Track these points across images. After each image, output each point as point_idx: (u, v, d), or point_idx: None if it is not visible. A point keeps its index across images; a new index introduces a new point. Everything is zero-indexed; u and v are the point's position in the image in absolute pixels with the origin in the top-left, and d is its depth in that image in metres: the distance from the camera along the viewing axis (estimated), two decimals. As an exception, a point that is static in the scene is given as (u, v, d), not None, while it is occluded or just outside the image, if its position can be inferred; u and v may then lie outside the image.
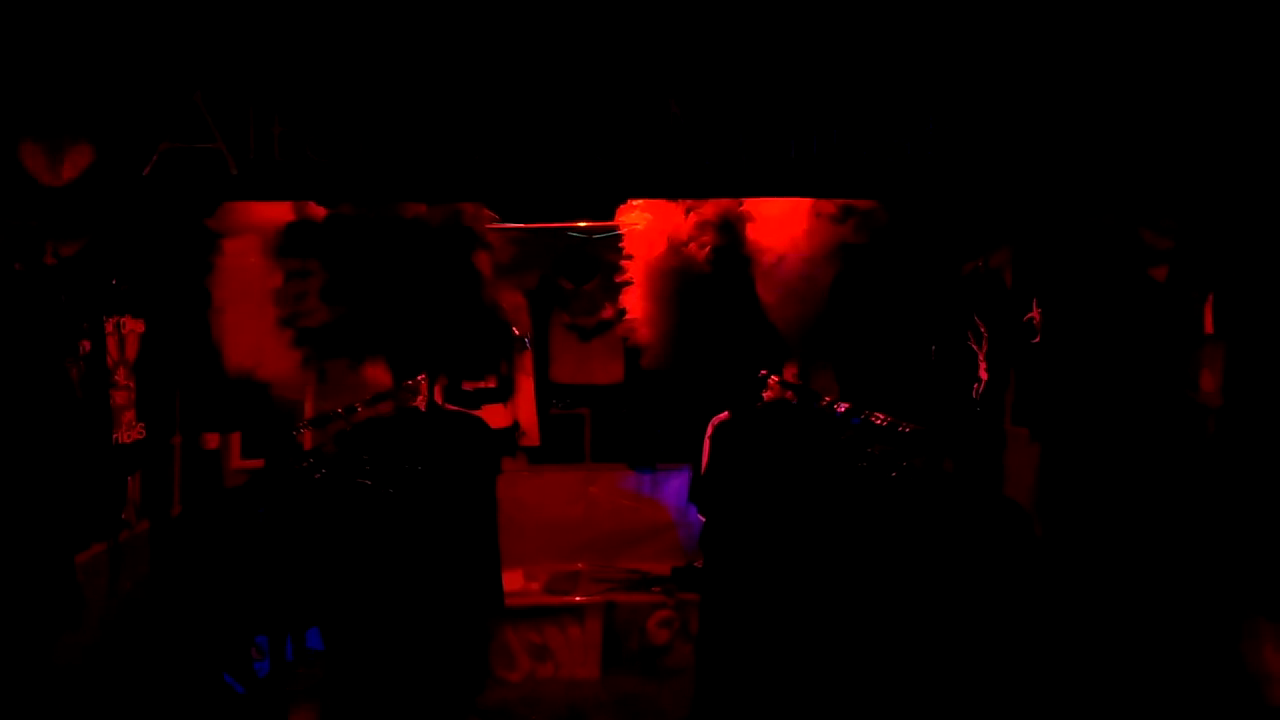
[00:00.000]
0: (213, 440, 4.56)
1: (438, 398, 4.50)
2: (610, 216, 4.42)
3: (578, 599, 5.22)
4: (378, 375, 4.46)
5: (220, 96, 3.29)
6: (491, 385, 5.24)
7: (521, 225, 4.65)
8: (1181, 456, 3.51)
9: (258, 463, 4.19)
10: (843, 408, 3.61)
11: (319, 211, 4.27)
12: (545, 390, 5.48)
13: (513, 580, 5.09)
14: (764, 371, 4.28)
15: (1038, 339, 3.81)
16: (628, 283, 4.50)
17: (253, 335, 4.19)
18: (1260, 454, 3.31)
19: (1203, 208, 3.44)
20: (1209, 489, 3.42)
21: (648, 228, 4.40)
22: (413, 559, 3.33)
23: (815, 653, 3.42)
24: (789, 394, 4.17)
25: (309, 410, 4.75)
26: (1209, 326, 3.37)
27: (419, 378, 4.18)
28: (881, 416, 3.32)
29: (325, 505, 3.06)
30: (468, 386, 5.15)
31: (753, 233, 4.29)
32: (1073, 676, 3.30)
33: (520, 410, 5.37)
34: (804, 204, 4.18)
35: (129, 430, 3.70)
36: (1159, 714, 3.38)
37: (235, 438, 4.90)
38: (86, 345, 3.53)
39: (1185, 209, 3.48)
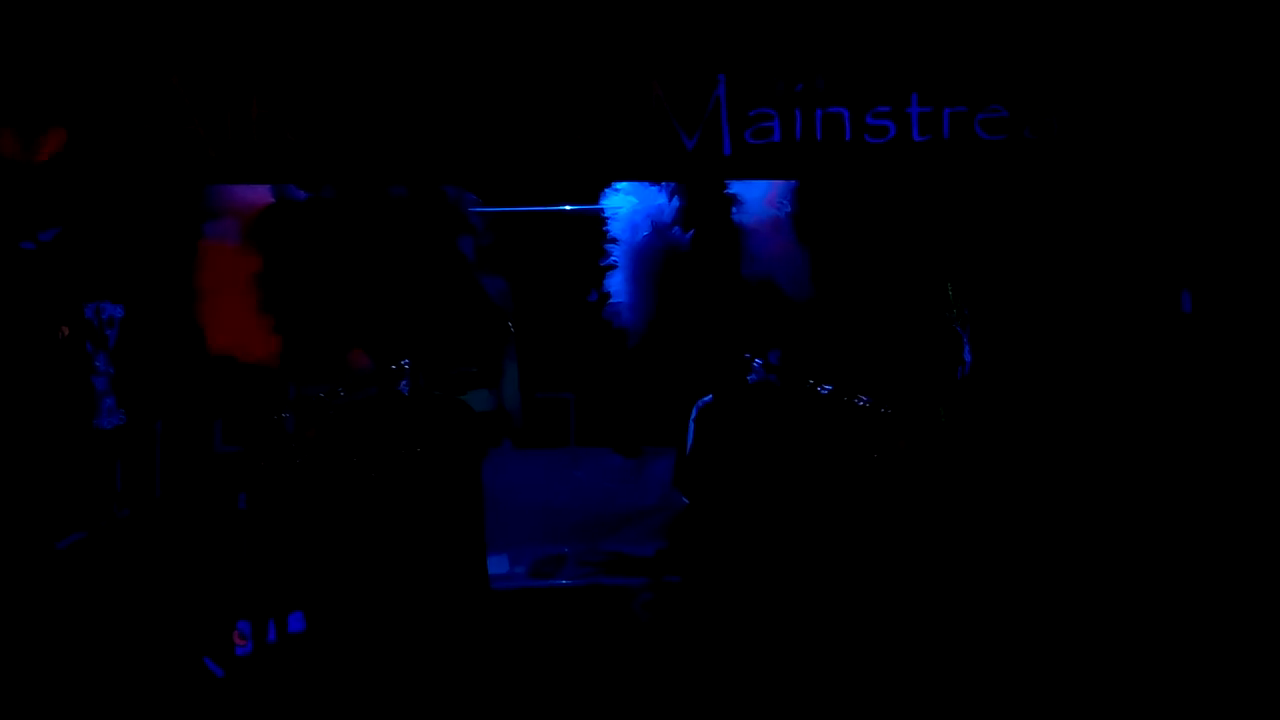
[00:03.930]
0: (196, 426, 4.52)
1: (422, 382, 4.47)
2: (594, 200, 4.40)
3: (562, 582, 5.22)
4: (361, 360, 4.43)
5: (198, 80, 3.25)
6: (476, 370, 5.21)
7: (505, 209, 4.62)
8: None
9: (240, 448, 4.17)
10: (826, 390, 3.61)
11: (300, 195, 4.23)
12: (530, 374, 5.46)
13: (498, 564, 5.08)
14: (748, 354, 4.28)
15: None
16: (612, 266, 4.49)
17: (234, 320, 4.15)
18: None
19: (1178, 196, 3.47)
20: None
21: (632, 211, 4.39)
22: (396, 543, 3.32)
23: (798, 633, 3.45)
24: (773, 376, 4.18)
25: (292, 395, 4.71)
26: (1180, 307, 3.40)
27: (403, 362, 4.16)
28: (864, 398, 3.33)
29: (307, 490, 3.05)
30: (452, 371, 5.12)
31: (736, 216, 4.29)
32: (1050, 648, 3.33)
33: (505, 394, 5.35)
34: (788, 186, 4.18)
35: (110, 416, 3.66)
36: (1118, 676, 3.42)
37: (218, 423, 4.86)
38: (65, 331, 3.49)
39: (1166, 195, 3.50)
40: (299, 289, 4.23)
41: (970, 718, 3.10)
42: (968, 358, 3.94)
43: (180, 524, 3.17)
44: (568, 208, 4.96)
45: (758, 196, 4.21)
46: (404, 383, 4.13)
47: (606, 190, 4.36)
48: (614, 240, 4.46)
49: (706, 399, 4.30)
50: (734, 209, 4.29)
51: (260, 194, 4.21)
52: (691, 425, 4.39)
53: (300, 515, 3.01)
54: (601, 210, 4.53)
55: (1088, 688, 3.26)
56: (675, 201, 4.35)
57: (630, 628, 5.21)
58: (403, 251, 4.28)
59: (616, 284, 4.46)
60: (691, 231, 4.34)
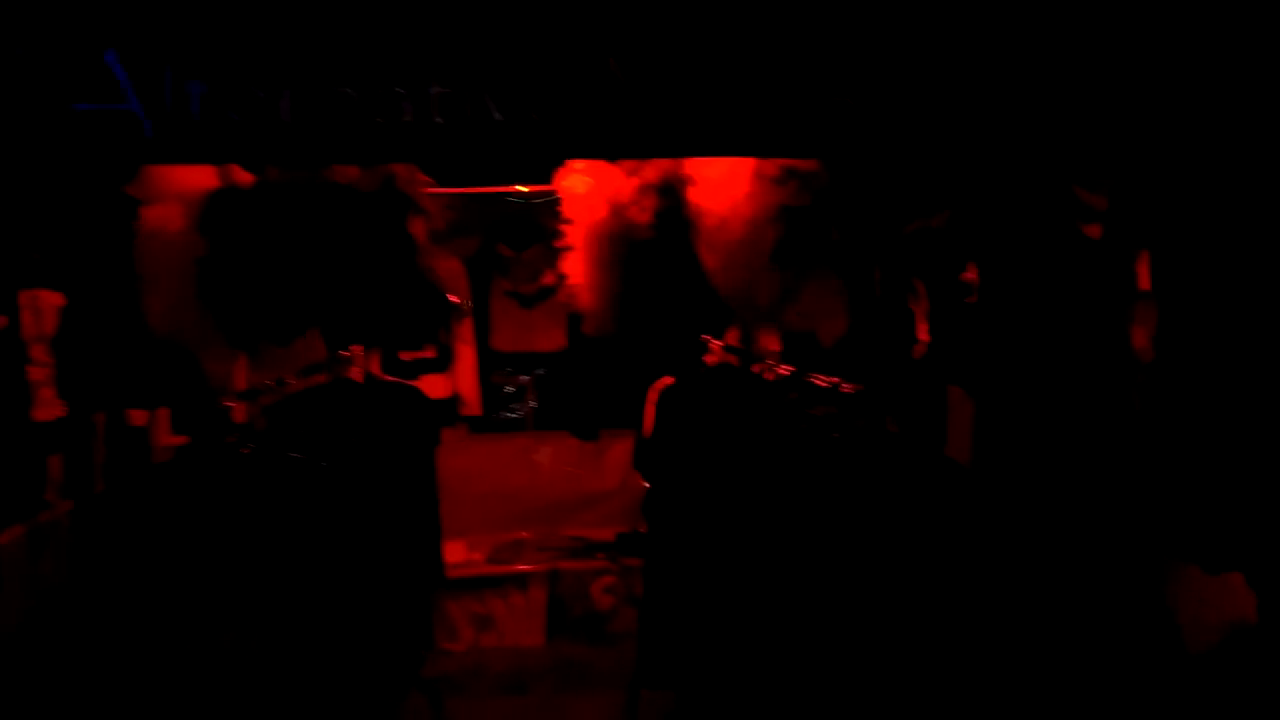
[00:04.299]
0: (139, 417, 4.39)
1: (374, 368, 4.39)
2: (549, 180, 4.32)
3: (521, 567, 5.18)
4: (312, 346, 4.33)
5: (135, 54, 3.10)
6: (430, 355, 5.13)
7: (457, 190, 4.53)
8: (1112, 411, 3.57)
9: (186, 439, 4.06)
10: (785, 370, 3.60)
11: (245, 177, 4.10)
12: (486, 359, 5.39)
13: (455, 551, 5.04)
14: (707, 336, 4.25)
15: (973, 298, 3.83)
16: (568, 248, 4.42)
17: (179, 307, 4.03)
18: (1188, 408, 3.38)
19: (1136, 166, 3.47)
20: (1139, 442, 3.49)
21: (588, 191, 4.31)
22: (349, 533, 3.25)
23: (758, 616, 3.44)
24: (732, 358, 4.16)
25: (239, 383, 4.60)
26: (1143, 283, 3.42)
27: (354, 348, 4.07)
28: (824, 378, 3.32)
29: (255, 481, 2.96)
30: (406, 356, 5.04)
31: (694, 196, 4.22)
32: (1007, 627, 3.36)
33: (460, 379, 5.28)
34: (746, 166, 4.13)
35: (48, 407, 3.54)
36: (1088, 662, 3.47)
37: (162, 413, 4.73)
38: (4, 321, 3.36)
39: (1120, 167, 3.51)
40: (245, 274, 4.11)
41: (940, 700, 3.11)
42: (921, 336, 3.95)
43: (122, 517, 3.06)
44: (522, 188, 4.90)
45: (716, 176, 4.16)
46: (356, 369, 4.05)
47: (562, 170, 4.29)
48: (570, 222, 4.38)
49: (666, 381, 4.28)
50: (692, 188, 4.24)
51: (205, 176, 4.08)
52: (650, 408, 4.36)
53: (247, 506, 2.92)
54: (556, 191, 4.46)
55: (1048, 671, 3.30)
56: (633, 181, 4.28)
57: (592, 611, 5.21)
58: (353, 234, 4.17)
59: (573, 266, 4.39)
60: (649, 212, 4.27)
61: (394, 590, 3.85)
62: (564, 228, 4.41)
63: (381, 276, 4.26)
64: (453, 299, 4.88)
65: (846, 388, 3.20)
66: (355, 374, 4.03)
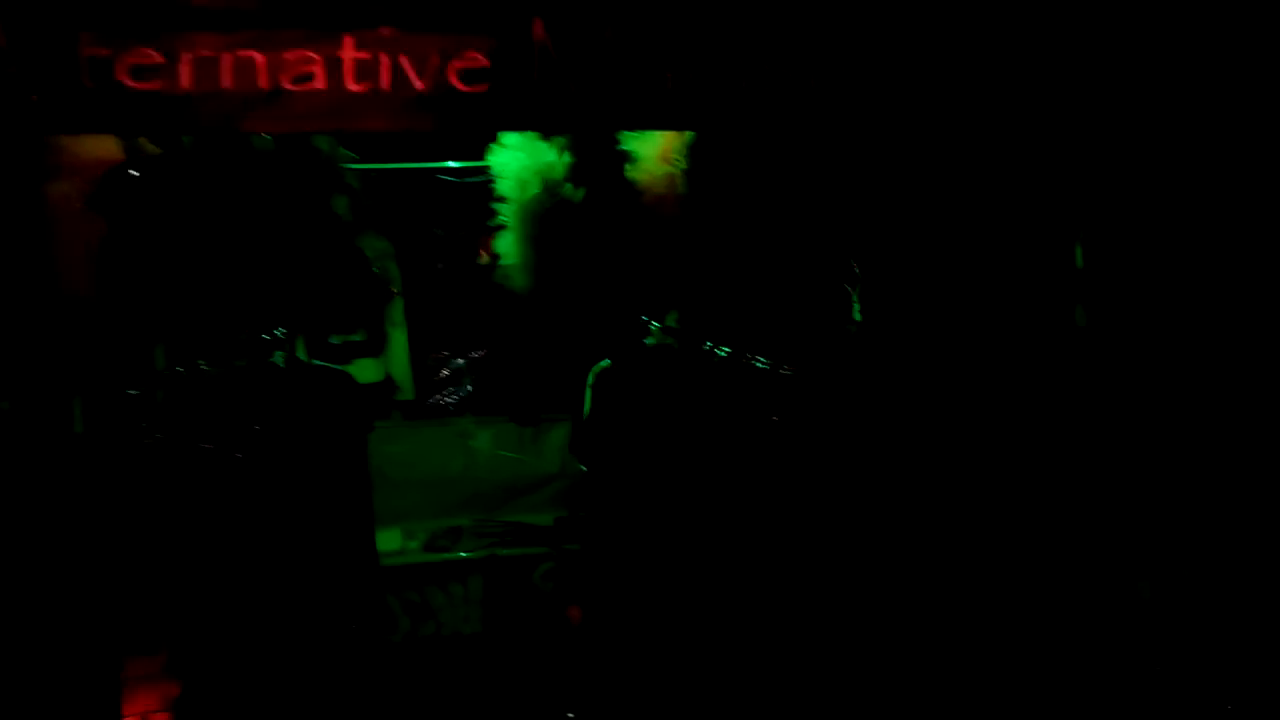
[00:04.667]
0: (47, 405, 4.15)
1: (301, 353, 4.20)
2: (480, 156, 4.14)
3: (459, 555, 5.06)
4: (231, 329, 4.12)
5: (15, 13, 2.85)
6: (361, 338, 4.95)
7: (383, 165, 4.32)
8: (1051, 386, 3.56)
9: (94, 429, 3.83)
10: (724, 352, 3.52)
11: (153, 150, 3.87)
12: (420, 342, 5.22)
13: (390, 540, 4.90)
14: (645, 317, 4.15)
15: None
16: (502, 226, 4.24)
17: (83, 289, 3.80)
18: (1126, 384, 3.38)
19: (1069, 143, 3.45)
20: (1079, 418, 3.49)
21: (521, 168, 4.13)
22: (267, 525, 3.10)
23: (698, 598, 3.39)
24: (671, 339, 4.06)
25: (151, 367, 4.37)
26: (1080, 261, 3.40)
27: (277, 331, 3.88)
28: (763, 360, 3.25)
29: (162, 472, 2.80)
30: (336, 340, 4.85)
31: (631, 173, 4.09)
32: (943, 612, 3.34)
33: (393, 364, 5.11)
34: (682, 142, 4.00)
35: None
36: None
37: (70, 401, 4.49)
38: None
39: (1053, 145, 3.47)
40: (153, 255, 3.88)
41: (869, 680, 3.09)
42: (858, 317, 3.88)
43: (29, 512, 2.87)
44: (452, 164, 4.68)
45: (652, 152, 4.03)
46: (280, 354, 3.87)
47: (492, 145, 4.12)
48: (503, 199, 4.20)
49: (603, 363, 4.18)
50: (627, 165, 4.10)
51: (108, 148, 3.83)
52: (588, 391, 4.26)
53: (152, 498, 2.75)
54: (488, 168, 4.27)
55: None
56: (566, 158, 4.12)
57: (531, 598, 5.11)
58: (271, 211, 3.96)
59: (507, 245, 4.22)
60: (584, 190, 4.12)
61: (324, 582, 3.71)
62: (497, 206, 4.23)
63: (304, 256, 4.06)
64: (382, 280, 4.68)
65: (785, 370, 3.12)
66: (279, 359, 3.87)
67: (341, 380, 3.95)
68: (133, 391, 3.13)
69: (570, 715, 4.18)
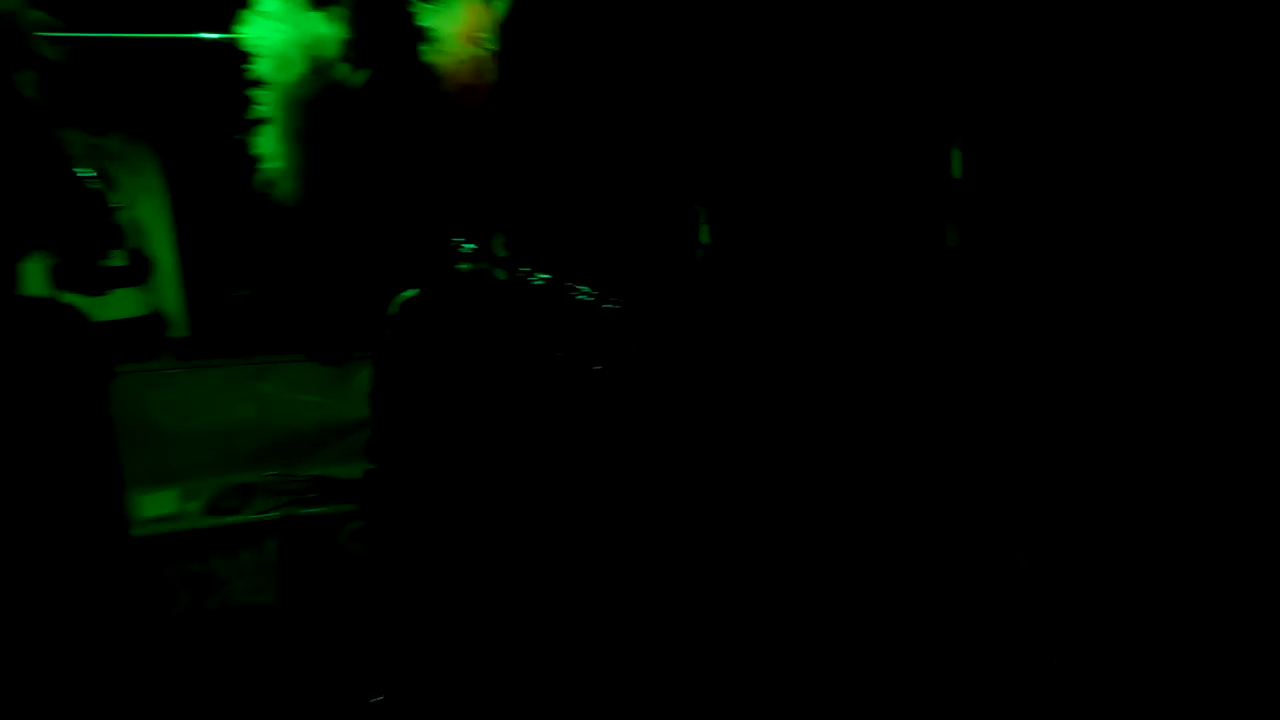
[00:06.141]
0: None
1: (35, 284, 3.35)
2: (227, 27, 3.24)
3: (248, 517, 4.41)
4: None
5: None
6: (121, 263, 4.12)
7: (98, 35, 3.37)
8: (922, 307, 3.22)
9: None
10: (543, 280, 2.97)
11: None
12: (195, 268, 4.43)
13: (164, 502, 4.23)
14: (459, 238, 3.51)
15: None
16: (262, 118, 3.37)
17: None
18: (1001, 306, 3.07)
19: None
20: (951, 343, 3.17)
21: (282, 41, 3.26)
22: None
23: (513, 557, 2.96)
24: (487, 264, 3.48)
25: None
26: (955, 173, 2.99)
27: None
28: (587, 290, 2.72)
29: None
30: (83, 266, 3.99)
31: (428, 55, 3.30)
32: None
33: (161, 294, 4.31)
34: (493, 16, 3.25)
35: None
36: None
37: None
38: None
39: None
40: None
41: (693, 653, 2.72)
42: (706, 239, 3.37)
43: None
44: (195, 35, 3.73)
45: (454, 29, 3.23)
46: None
47: (244, 13, 3.24)
48: (263, 83, 3.32)
49: (409, 293, 3.55)
50: (422, 44, 3.29)
51: None
52: (391, 324, 3.64)
53: None
54: (240, 41, 3.35)
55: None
56: (341, 31, 3.28)
57: (336, 561, 4.55)
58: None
59: (269, 143, 3.35)
60: (367, 71, 3.32)
61: (53, 561, 3.03)
62: (255, 92, 3.35)
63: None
64: (89, 184, 3.66)
65: (612, 303, 2.60)
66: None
67: (65, 317, 3.17)
68: None
69: (379, 698, 3.67)
